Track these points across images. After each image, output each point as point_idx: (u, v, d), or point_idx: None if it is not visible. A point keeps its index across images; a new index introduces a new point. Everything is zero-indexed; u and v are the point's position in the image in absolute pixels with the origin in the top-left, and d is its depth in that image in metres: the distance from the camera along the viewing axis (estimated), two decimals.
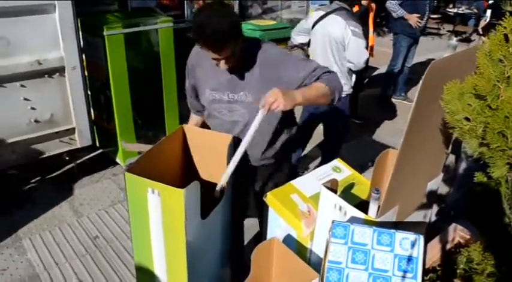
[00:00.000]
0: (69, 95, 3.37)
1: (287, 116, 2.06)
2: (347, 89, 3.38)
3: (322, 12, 3.38)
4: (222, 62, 1.83)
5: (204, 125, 2.23)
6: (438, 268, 1.92)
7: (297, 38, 3.65)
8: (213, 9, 1.77)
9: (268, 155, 2.13)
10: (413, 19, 5.24)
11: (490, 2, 9.05)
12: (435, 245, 2.01)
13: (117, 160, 3.98)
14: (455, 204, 3.24)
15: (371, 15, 4.76)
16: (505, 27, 1.10)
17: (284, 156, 2.20)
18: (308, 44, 3.56)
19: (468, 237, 2.00)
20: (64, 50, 3.22)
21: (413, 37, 5.48)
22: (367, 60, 3.44)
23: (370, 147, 4.65)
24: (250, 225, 2.55)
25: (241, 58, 1.89)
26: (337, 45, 3.30)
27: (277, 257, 1.78)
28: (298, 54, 1.97)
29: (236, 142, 1.97)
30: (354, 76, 3.54)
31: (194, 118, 2.31)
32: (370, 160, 4.34)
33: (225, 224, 2.09)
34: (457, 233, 2.06)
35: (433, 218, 3.00)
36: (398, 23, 5.42)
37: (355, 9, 4.13)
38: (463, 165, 3.14)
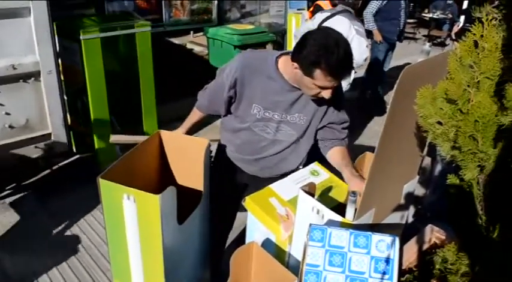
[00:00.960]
0: (45, 100, 3.31)
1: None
2: (345, 85, 3.68)
3: (327, 14, 3.65)
4: (329, 91, 1.82)
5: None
6: (415, 269, 1.95)
7: None
8: (343, 40, 1.75)
9: (288, 169, 2.19)
10: (378, 37, 5.46)
11: (464, 7, 9.26)
12: (412, 246, 2.04)
13: (95, 166, 3.92)
14: (431, 205, 3.29)
15: None
16: (474, 34, 1.14)
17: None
18: None
19: (444, 238, 2.03)
20: (39, 54, 3.17)
21: (391, 42, 5.57)
22: (366, 58, 3.68)
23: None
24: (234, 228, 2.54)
25: None
26: None
27: (256, 260, 1.78)
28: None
29: (251, 161, 2.14)
30: (353, 73, 3.76)
31: (197, 115, 2.25)
32: None
33: (204, 228, 2.09)
34: (433, 234, 2.10)
35: (410, 220, 3.04)
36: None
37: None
38: (438, 168, 3.20)
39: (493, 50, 1.12)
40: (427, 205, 3.34)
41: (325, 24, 3.53)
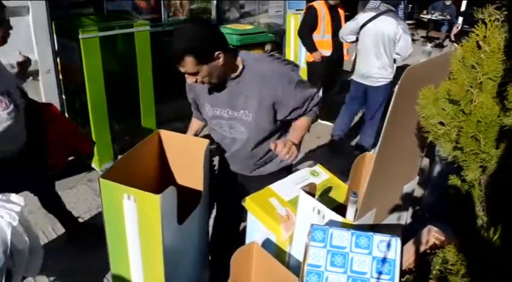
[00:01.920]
0: (43, 99, 3.31)
1: (280, 133, 2.12)
2: (392, 76, 4.27)
3: (371, 13, 4.09)
4: (187, 76, 1.85)
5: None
6: (414, 270, 1.95)
7: (348, 37, 4.44)
8: (180, 29, 1.83)
9: (269, 168, 2.18)
10: None
11: (462, 9, 9.27)
12: (411, 247, 2.04)
13: (93, 165, 3.92)
14: (429, 206, 3.29)
15: (328, 20, 4.90)
16: (477, 35, 1.14)
17: (278, 169, 2.21)
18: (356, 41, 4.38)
19: (443, 238, 2.04)
20: (38, 53, 3.17)
21: None
22: (410, 53, 4.16)
23: (344, 148, 4.70)
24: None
25: (223, 76, 1.91)
26: (389, 41, 4.05)
27: (256, 261, 1.78)
28: (289, 68, 1.99)
29: (230, 158, 2.13)
30: (395, 66, 4.29)
31: (196, 123, 2.31)
32: (345, 162, 4.39)
33: (204, 228, 2.09)
34: (432, 234, 2.10)
35: (408, 220, 3.05)
36: None
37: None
38: (437, 168, 3.20)
39: (496, 51, 1.12)
40: (425, 206, 3.35)
41: (372, 23, 4.06)
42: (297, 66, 2.14)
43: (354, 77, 4.54)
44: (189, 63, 1.76)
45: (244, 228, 2.02)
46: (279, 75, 1.92)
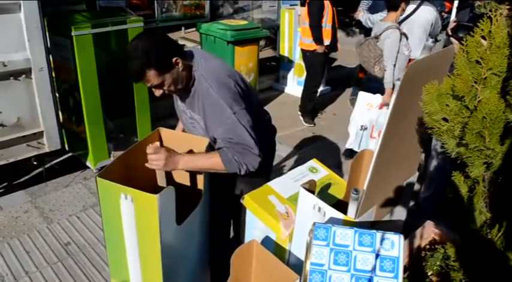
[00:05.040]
0: (37, 97, 3.25)
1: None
2: (418, 54, 4.46)
3: (412, 6, 4.34)
4: (159, 90, 1.87)
5: None
6: (414, 265, 1.95)
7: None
8: (130, 48, 1.79)
9: None
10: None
11: (455, 2, 9.25)
12: (410, 242, 2.04)
13: (88, 164, 3.88)
14: (426, 201, 3.30)
15: (330, 10, 4.90)
16: (482, 30, 1.12)
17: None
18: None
19: (442, 234, 2.03)
20: (30, 51, 3.11)
21: None
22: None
23: (342, 145, 4.70)
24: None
25: (187, 81, 1.91)
26: (429, 27, 4.49)
27: (257, 259, 1.77)
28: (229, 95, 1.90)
29: None
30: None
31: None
32: (342, 157, 4.40)
33: (203, 228, 2.06)
34: (432, 230, 2.10)
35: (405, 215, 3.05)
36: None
37: None
38: (433, 163, 3.20)
39: (501, 46, 1.11)
40: (421, 200, 3.35)
41: (415, 14, 4.37)
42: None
43: None
44: (152, 77, 1.77)
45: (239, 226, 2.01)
46: (215, 98, 1.86)
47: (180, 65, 1.83)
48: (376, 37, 3.84)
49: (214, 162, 1.87)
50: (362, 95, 3.95)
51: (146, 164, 1.82)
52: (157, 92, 1.87)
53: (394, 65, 3.69)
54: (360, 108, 3.96)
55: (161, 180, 1.99)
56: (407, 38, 3.82)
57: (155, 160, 1.79)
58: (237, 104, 1.86)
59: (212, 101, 1.85)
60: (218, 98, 1.84)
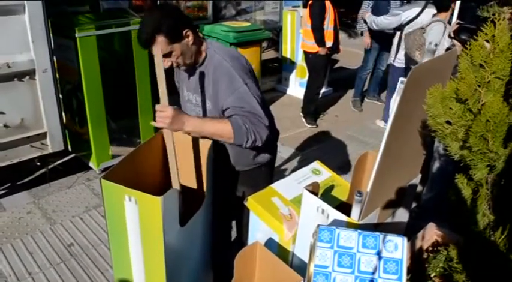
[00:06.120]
0: (40, 98, 3.26)
1: None
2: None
3: (418, 9, 4.48)
4: (167, 60, 1.88)
5: None
6: (417, 267, 1.95)
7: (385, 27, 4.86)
8: (146, 15, 1.94)
9: (242, 163, 2.14)
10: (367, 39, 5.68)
11: (457, 2, 9.25)
12: (412, 244, 2.04)
13: (91, 165, 3.89)
14: (428, 202, 3.31)
15: (332, 12, 4.91)
16: (486, 34, 1.13)
17: (263, 161, 2.19)
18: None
19: (445, 236, 2.04)
20: (34, 52, 3.12)
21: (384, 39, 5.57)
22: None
23: (344, 146, 4.70)
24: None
25: (195, 57, 1.94)
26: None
27: (260, 261, 1.77)
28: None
29: None
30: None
31: None
32: (346, 159, 4.40)
33: (206, 230, 2.07)
34: (434, 232, 2.10)
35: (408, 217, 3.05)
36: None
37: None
38: (436, 164, 3.21)
39: (505, 50, 1.11)
40: (424, 202, 3.35)
41: (421, 17, 4.43)
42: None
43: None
44: (161, 43, 1.80)
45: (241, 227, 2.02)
46: (228, 68, 1.90)
47: (190, 38, 1.87)
48: (422, 28, 4.16)
49: (223, 127, 1.84)
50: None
51: (152, 123, 1.81)
52: (166, 62, 1.87)
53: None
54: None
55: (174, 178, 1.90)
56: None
57: (162, 117, 1.77)
58: (248, 77, 1.90)
59: (225, 70, 1.89)
60: (231, 67, 1.89)
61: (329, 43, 4.95)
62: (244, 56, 2.08)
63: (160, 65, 1.72)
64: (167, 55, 1.85)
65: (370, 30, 5.39)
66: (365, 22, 5.34)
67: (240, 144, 1.87)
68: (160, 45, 1.79)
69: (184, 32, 1.84)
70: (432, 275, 1.87)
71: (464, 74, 1.18)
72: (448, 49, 3.95)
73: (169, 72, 1.96)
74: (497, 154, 1.16)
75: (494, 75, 1.14)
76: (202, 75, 1.97)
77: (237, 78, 1.86)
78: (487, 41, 1.14)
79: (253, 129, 1.84)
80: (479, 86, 1.17)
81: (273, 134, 2.28)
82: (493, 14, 1.21)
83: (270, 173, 2.27)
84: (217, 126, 1.86)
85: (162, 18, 1.80)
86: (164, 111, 1.76)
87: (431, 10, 4.48)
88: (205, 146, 1.95)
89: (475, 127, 1.14)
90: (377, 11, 5.36)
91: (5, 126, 3.17)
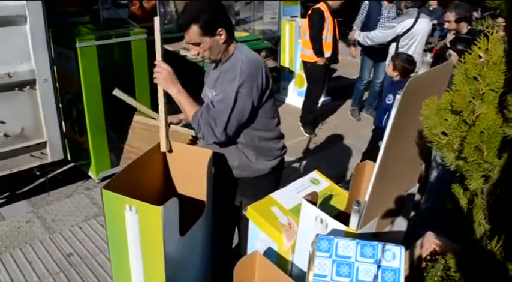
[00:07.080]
0: (41, 108, 3.28)
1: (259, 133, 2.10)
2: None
3: (412, 19, 4.67)
4: (195, 48, 1.98)
5: None
6: (415, 276, 1.97)
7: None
8: (192, 2, 2.02)
9: (241, 165, 2.14)
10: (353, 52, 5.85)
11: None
12: (410, 253, 2.06)
13: (90, 174, 3.90)
14: (426, 211, 3.32)
15: (331, 22, 4.93)
16: (479, 48, 1.16)
17: (264, 169, 2.19)
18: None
19: (443, 245, 2.05)
20: (35, 62, 3.14)
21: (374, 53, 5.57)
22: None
23: (343, 155, 4.72)
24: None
25: (222, 56, 2.02)
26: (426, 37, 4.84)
27: (259, 270, 1.78)
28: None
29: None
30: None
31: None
32: (344, 168, 4.42)
33: (206, 239, 2.08)
34: (432, 241, 2.11)
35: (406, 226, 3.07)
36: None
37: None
38: (433, 174, 3.23)
39: (498, 62, 1.14)
40: (421, 211, 3.37)
41: (417, 24, 4.66)
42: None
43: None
44: (193, 33, 1.91)
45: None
46: (236, 69, 1.97)
47: (222, 37, 1.95)
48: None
49: (189, 110, 2.01)
50: None
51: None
52: (193, 50, 2.01)
53: None
54: None
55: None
56: None
57: (159, 71, 1.97)
58: (247, 87, 1.94)
59: (234, 70, 1.97)
60: (239, 70, 1.95)
61: (327, 53, 4.98)
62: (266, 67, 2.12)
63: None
64: (196, 44, 1.96)
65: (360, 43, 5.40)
66: (359, 43, 5.34)
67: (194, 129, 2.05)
68: (191, 35, 1.92)
69: (218, 30, 1.93)
70: None
71: (459, 86, 1.21)
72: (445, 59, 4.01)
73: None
74: (492, 164, 1.18)
75: (488, 87, 1.17)
76: (220, 74, 2.04)
77: (235, 83, 1.93)
78: (479, 56, 1.17)
79: (203, 128, 1.96)
80: (473, 98, 1.20)
81: (275, 144, 2.23)
82: (487, 27, 1.24)
83: (272, 186, 2.20)
84: (187, 107, 2.02)
85: (203, 11, 1.90)
86: (163, 66, 1.97)
87: (424, 19, 4.72)
88: (205, 155, 1.96)
89: (470, 138, 1.17)
90: (368, 24, 5.39)
91: (5, 135, 3.18)
